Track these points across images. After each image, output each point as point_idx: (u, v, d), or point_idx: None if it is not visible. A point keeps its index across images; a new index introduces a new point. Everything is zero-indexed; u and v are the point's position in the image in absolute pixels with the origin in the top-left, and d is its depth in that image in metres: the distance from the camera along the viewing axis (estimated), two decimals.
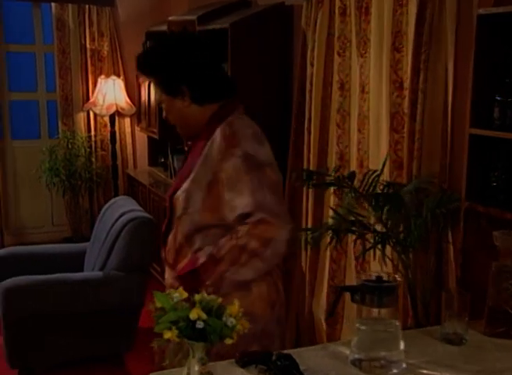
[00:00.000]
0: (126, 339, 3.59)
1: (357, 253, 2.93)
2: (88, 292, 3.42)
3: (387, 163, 2.84)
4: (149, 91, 4.93)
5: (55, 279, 3.43)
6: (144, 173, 5.22)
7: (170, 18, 4.62)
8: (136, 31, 5.37)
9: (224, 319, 1.21)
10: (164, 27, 4.76)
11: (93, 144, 5.46)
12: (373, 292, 1.44)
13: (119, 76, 5.31)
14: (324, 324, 3.45)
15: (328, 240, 2.48)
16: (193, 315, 1.19)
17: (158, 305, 1.23)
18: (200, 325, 1.19)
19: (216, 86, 1.87)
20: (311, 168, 3.45)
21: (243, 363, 1.46)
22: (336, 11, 3.20)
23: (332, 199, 3.33)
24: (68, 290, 3.38)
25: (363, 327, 1.50)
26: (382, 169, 2.57)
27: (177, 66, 1.83)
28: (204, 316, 1.20)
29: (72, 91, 5.33)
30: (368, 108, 3.06)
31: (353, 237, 2.56)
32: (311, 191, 3.49)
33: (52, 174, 5.04)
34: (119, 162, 5.46)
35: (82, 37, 5.28)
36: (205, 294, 1.26)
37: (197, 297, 1.25)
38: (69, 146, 5.22)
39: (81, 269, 3.81)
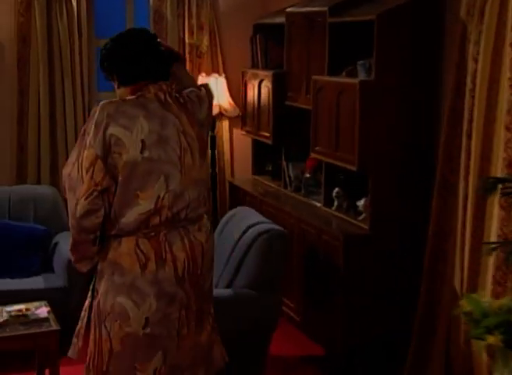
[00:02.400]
0: (256, 366, 3.66)
1: None
2: (217, 311, 3.49)
3: None
4: (259, 91, 5.02)
5: None
6: (247, 183, 5.23)
7: (289, 9, 4.70)
8: (238, 24, 5.47)
9: None
10: (279, 19, 4.86)
11: None
12: None
13: (218, 73, 5.44)
14: (485, 355, 3.45)
15: None
16: None
17: (467, 308, 1.30)
18: None
19: (132, 71, 2.75)
20: (472, 176, 3.50)
21: None
22: None
23: (495, 211, 3.35)
24: None
25: None
26: None
27: (108, 61, 2.81)
28: None
29: None
30: None
31: None
32: (470, 202, 3.53)
33: None
34: (216, 169, 5.54)
35: (181, 31, 5.41)
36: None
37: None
38: None
39: None
